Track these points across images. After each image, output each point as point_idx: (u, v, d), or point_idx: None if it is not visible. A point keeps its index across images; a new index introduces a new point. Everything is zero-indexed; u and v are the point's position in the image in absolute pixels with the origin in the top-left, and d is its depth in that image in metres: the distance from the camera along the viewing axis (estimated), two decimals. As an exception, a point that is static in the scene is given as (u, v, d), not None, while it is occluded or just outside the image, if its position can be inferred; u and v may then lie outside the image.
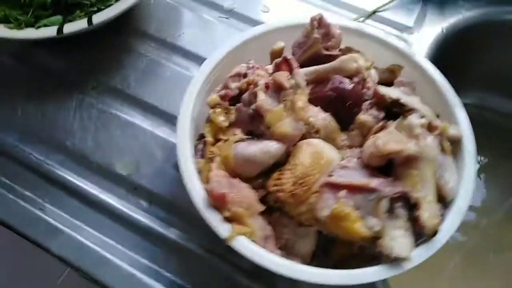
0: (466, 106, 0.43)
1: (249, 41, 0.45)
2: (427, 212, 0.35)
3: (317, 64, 0.44)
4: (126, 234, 0.47)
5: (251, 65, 0.42)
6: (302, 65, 0.44)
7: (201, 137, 0.41)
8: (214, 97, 0.40)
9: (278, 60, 0.39)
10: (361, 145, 0.39)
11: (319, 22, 0.43)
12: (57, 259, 0.45)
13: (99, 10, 0.54)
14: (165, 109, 0.55)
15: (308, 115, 0.38)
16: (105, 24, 0.54)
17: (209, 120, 0.40)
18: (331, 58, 0.44)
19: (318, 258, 0.40)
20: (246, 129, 0.39)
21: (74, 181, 0.49)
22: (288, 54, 0.39)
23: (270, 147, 0.36)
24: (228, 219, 0.35)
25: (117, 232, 0.47)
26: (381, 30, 0.48)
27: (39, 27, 0.51)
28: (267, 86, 0.37)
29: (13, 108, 0.54)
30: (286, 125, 0.36)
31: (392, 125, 0.39)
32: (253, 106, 0.37)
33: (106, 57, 0.59)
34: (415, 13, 0.65)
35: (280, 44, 0.45)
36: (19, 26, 0.51)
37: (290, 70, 0.38)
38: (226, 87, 0.40)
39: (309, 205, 0.36)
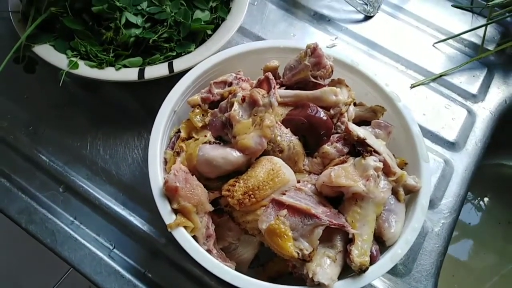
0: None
1: (246, 54, 0.48)
2: (358, 250, 0.37)
3: (304, 89, 0.46)
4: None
5: (238, 76, 0.45)
6: (288, 87, 0.47)
7: (179, 131, 0.45)
8: (196, 97, 0.43)
9: (261, 77, 0.42)
10: (320, 173, 0.42)
11: (312, 51, 0.45)
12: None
13: (178, 55, 0.51)
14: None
15: (276, 134, 0.40)
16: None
17: (187, 118, 0.43)
18: (317, 86, 0.46)
19: (254, 269, 0.43)
20: (216, 134, 0.41)
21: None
22: (271, 74, 0.41)
23: (229, 155, 0.39)
24: (176, 211, 0.38)
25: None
26: (373, 71, 0.50)
27: (119, 67, 0.50)
28: (243, 99, 0.40)
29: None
30: (249, 139, 0.38)
31: (351, 161, 0.41)
32: (226, 114, 0.40)
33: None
34: (479, 81, 0.63)
35: (274, 63, 0.48)
36: (100, 66, 0.49)
37: (268, 89, 0.40)
38: (209, 91, 0.43)
39: (255, 216, 0.39)
